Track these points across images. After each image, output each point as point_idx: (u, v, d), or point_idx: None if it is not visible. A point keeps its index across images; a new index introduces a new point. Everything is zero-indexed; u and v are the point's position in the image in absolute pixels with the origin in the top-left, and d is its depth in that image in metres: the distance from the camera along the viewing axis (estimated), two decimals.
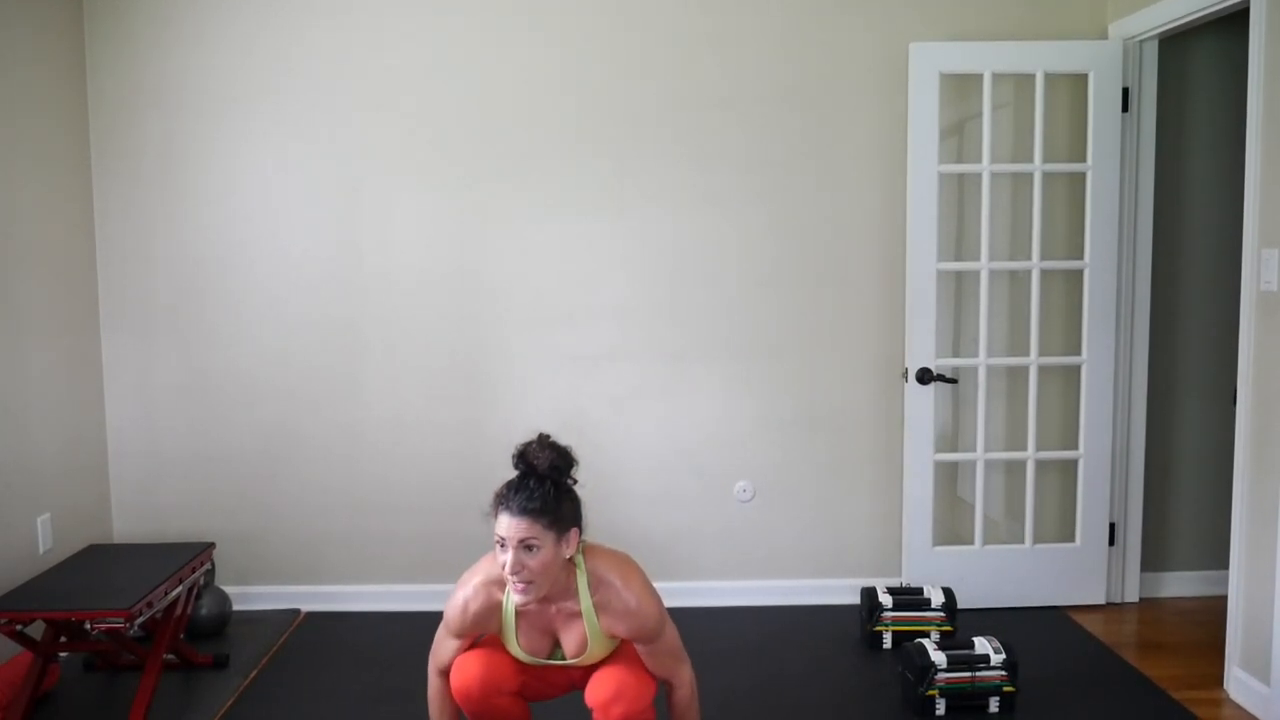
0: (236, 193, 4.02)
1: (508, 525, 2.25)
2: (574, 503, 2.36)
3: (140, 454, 4.11)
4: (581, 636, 2.43)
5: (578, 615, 2.41)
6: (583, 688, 2.59)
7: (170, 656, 3.51)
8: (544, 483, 2.29)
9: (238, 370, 4.08)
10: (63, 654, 3.44)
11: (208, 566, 3.67)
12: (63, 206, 3.83)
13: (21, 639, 3.06)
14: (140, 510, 4.12)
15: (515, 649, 2.47)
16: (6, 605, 3.02)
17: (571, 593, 2.39)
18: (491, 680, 2.45)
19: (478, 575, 2.45)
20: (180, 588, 3.33)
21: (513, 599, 2.33)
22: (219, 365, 4.08)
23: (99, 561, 3.46)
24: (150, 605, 3.09)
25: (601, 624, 2.41)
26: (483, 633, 2.50)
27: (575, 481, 2.39)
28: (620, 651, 2.54)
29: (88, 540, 3.91)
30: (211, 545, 3.63)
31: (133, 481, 4.12)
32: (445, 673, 2.53)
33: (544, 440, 2.37)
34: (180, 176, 4.01)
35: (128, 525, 4.13)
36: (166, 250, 4.04)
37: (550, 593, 2.37)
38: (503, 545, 2.27)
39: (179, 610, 3.36)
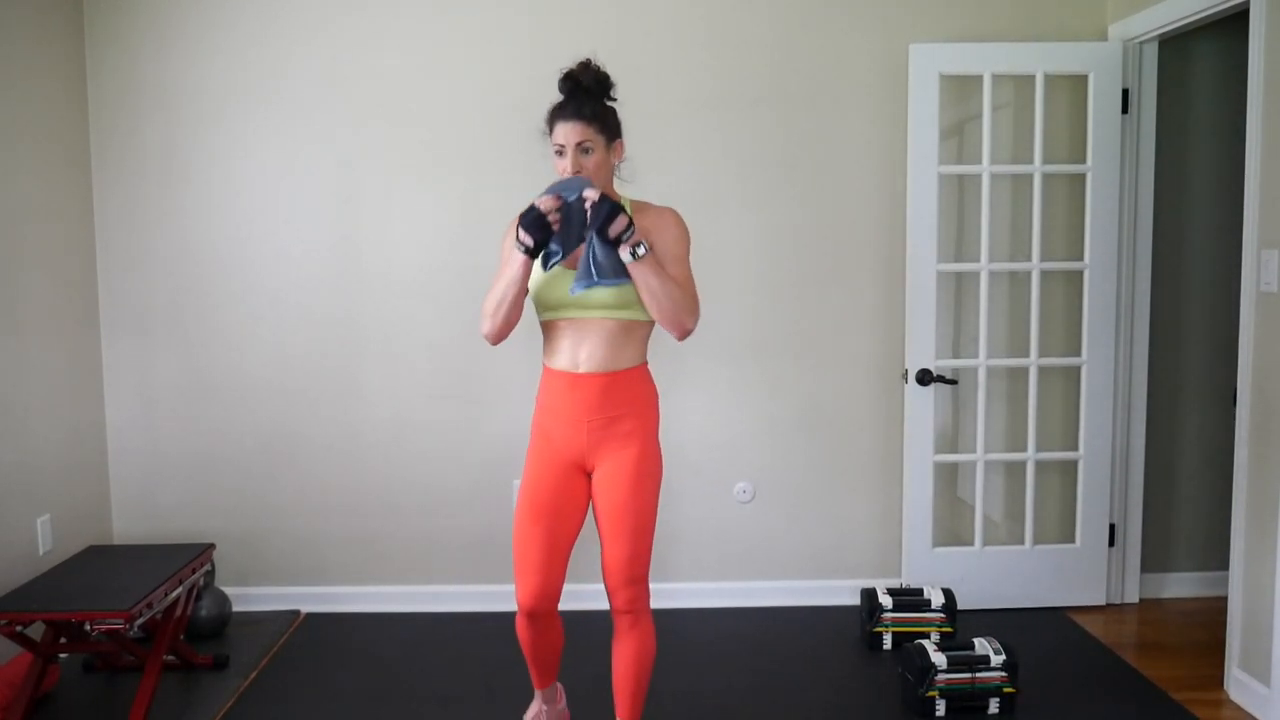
0: (237, 193, 4.02)
1: (565, 131, 2.53)
2: (616, 117, 2.62)
3: (140, 454, 4.10)
4: None
5: None
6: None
7: (170, 657, 3.51)
8: (591, 95, 2.56)
9: (238, 370, 4.08)
10: (63, 655, 3.45)
11: (208, 567, 3.67)
12: (63, 206, 3.83)
13: (21, 640, 3.06)
14: (140, 510, 4.12)
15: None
16: (6, 606, 3.02)
17: None
18: (552, 585, 2.61)
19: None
20: (180, 588, 3.33)
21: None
22: (219, 365, 4.08)
23: (99, 562, 3.46)
24: (150, 606, 3.09)
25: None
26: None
27: (615, 100, 2.63)
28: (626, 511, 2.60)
29: (88, 541, 3.90)
30: (211, 546, 3.64)
31: (133, 481, 4.11)
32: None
33: (587, 63, 2.60)
34: (180, 176, 4.01)
35: (128, 525, 4.13)
36: (166, 250, 4.04)
37: None
38: (560, 153, 2.54)
39: (179, 611, 3.36)
